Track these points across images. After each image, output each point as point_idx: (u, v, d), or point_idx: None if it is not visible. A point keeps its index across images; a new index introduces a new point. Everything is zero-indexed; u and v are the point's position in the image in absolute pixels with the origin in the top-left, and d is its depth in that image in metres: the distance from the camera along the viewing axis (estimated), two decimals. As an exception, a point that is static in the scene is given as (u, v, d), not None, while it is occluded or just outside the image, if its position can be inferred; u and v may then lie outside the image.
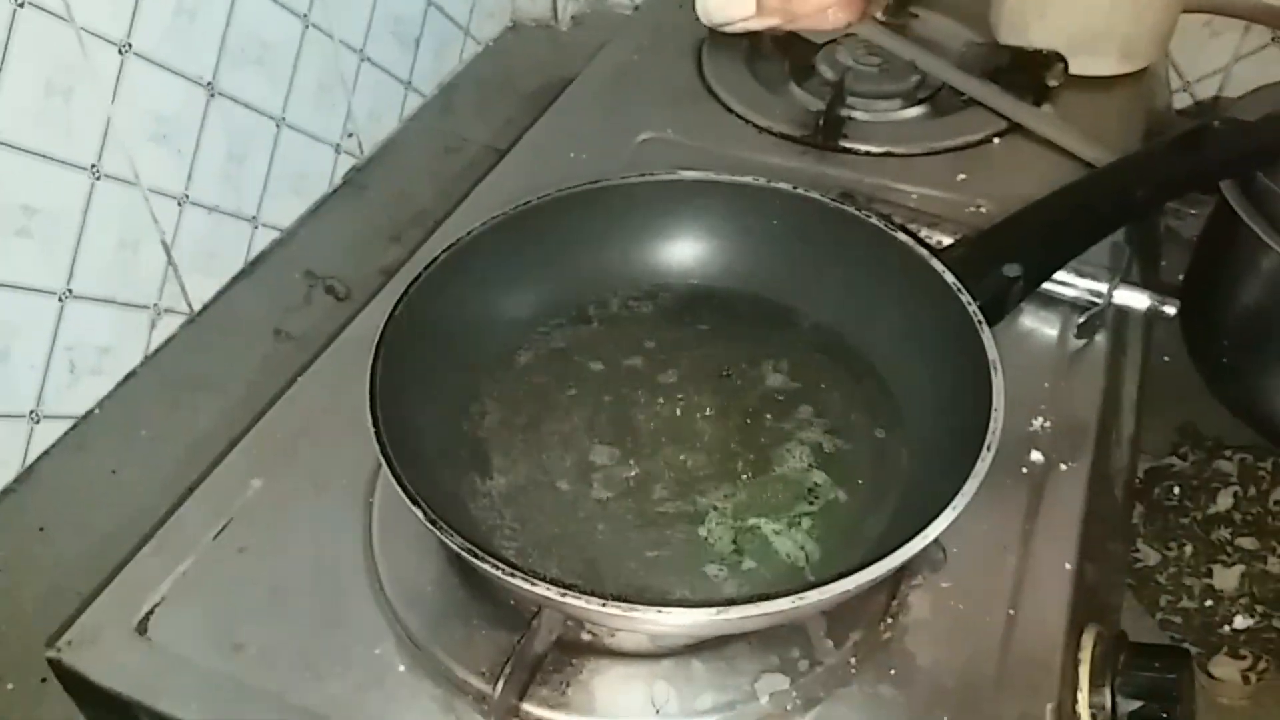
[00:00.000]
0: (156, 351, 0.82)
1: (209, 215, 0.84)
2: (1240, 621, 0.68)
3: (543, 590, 0.41)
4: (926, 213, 0.70)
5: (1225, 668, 0.67)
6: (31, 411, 0.73)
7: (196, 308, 0.85)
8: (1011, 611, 0.51)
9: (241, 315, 0.86)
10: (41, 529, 0.70)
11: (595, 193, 0.61)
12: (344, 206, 0.96)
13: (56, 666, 0.50)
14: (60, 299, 0.73)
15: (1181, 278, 0.82)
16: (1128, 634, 0.53)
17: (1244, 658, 0.67)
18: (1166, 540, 0.72)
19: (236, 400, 0.77)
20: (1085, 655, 0.51)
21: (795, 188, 0.61)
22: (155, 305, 0.81)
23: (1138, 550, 0.72)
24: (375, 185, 0.98)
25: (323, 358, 0.65)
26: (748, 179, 0.61)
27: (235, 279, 0.88)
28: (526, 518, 0.53)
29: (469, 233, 0.58)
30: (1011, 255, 0.57)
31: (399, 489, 0.44)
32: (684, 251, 0.65)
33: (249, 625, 0.51)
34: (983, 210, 0.73)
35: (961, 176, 0.77)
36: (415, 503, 0.44)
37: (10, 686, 0.61)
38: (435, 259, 0.55)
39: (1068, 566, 0.53)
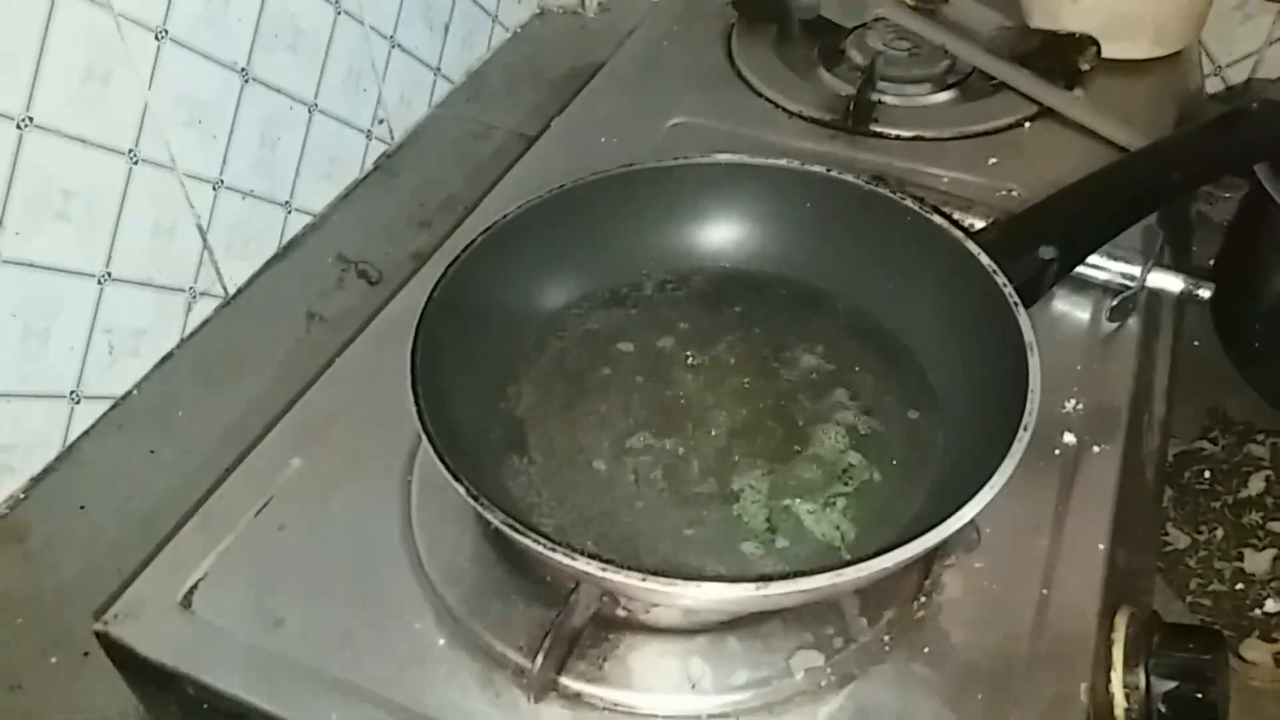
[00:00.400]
0: (192, 334, 0.82)
1: (243, 200, 0.84)
2: (1271, 605, 0.68)
3: (583, 565, 0.41)
4: (958, 196, 0.69)
5: (1256, 651, 0.67)
6: (72, 392, 0.73)
7: (231, 291, 0.85)
8: (1045, 591, 0.51)
9: (275, 298, 0.86)
10: (82, 507, 0.71)
11: (629, 176, 0.61)
12: (375, 191, 0.96)
13: (103, 639, 0.51)
14: (99, 281, 0.73)
15: (1212, 262, 0.82)
16: (1160, 613, 0.53)
17: (1275, 641, 0.67)
18: (1197, 524, 0.72)
19: (270, 382, 0.78)
20: (1118, 636, 0.51)
21: (830, 170, 0.61)
22: (191, 288, 0.82)
23: (1168, 534, 0.72)
24: (406, 170, 0.98)
25: (360, 340, 0.65)
26: (782, 162, 0.62)
27: (269, 263, 0.88)
28: (563, 496, 0.54)
29: (505, 216, 0.58)
30: (1046, 238, 0.57)
31: (440, 465, 0.45)
32: (718, 235, 0.65)
33: (290, 601, 0.52)
34: (1014, 194, 0.72)
35: (992, 161, 0.76)
36: (457, 479, 0.44)
37: (54, 660, 0.62)
38: (473, 242, 0.56)
39: (1100, 547, 0.53)
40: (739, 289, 0.64)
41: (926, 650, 0.49)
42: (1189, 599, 0.69)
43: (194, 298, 0.83)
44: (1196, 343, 0.82)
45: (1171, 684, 0.49)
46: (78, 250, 0.71)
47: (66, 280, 0.71)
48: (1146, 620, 0.52)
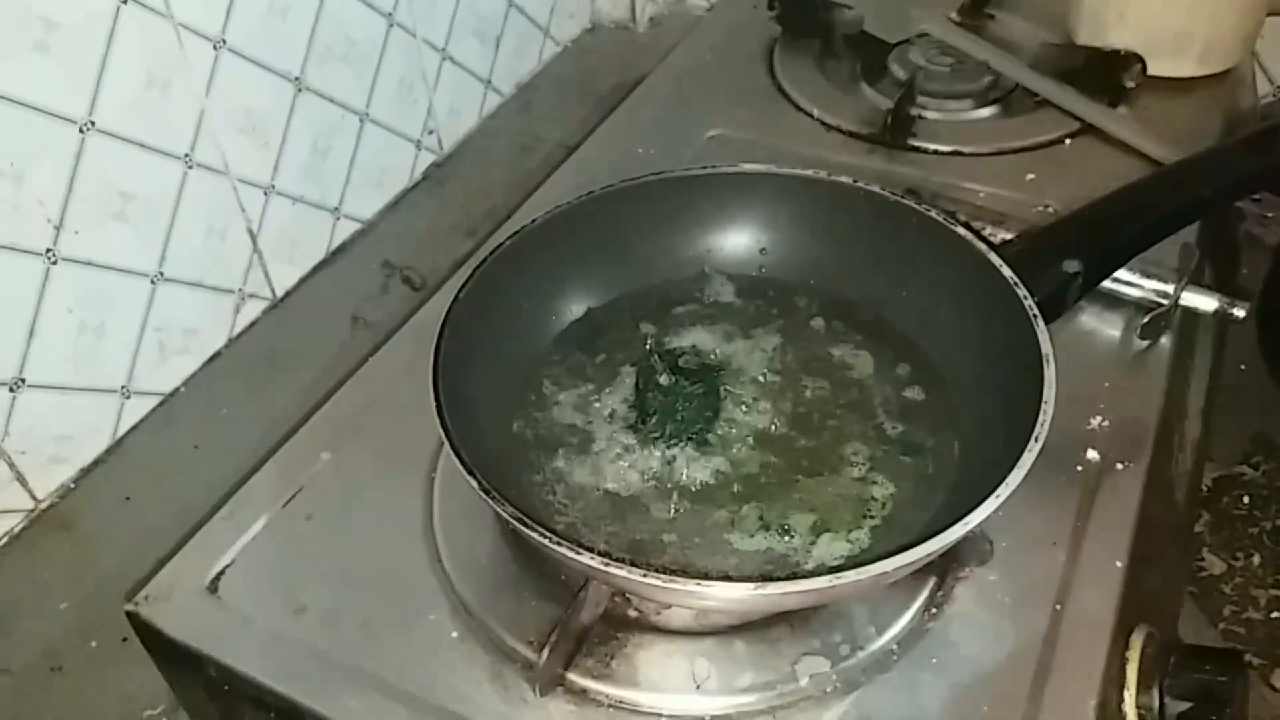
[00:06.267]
0: (240, 334, 0.84)
1: (293, 205, 0.86)
2: (1308, 634, 0.66)
3: (587, 560, 0.42)
4: (992, 211, 0.69)
5: (1289, 680, 0.66)
6: (123, 387, 0.75)
7: (279, 294, 0.87)
8: (1058, 607, 0.51)
9: (321, 302, 0.88)
10: (128, 498, 0.73)
11: (656, 184, 0.62)
12: (423, 200, 0.97)
13: (133, 619, 0.53)
14: (153, 281, 0.75)
15: (1262, 285, 0.80)
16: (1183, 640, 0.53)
17: (1309, 671, 0.65)
18: (1234, 550, 0.71)
19: (313, 382, 0.78)
20: (1134, 655, 0.50)
21: (855, 181, 0.61)
22: (240, 290, 0.83)
23: (1203, 559, 0.71)
24: (454, 180, 0.99)
25: (392, 341, 0.67)
26: (808, 172, 0.62)
27: (317, 268, 0.89)
28: (578, 497, 0.54)
29: (533, 220, 0.59)
30: (1071, 251, 0.56)
31: (454, 457, 0.46)
32: (743, 242, 0.65)
33: (312, 589, 0.53)
34: (1049, 210, 0.72)
35: (1030, 176, 0.76)
36: (470, 473, 0.45)
37: (94, 644, 0.64)
38: (500, 245, 0.57)
39: (1118, 565, 0.53)
40: (763, 297, 0.64)
41: (935, 661, 0.49)
42: (1222, 625, 0.68)
43: (243, 299, 0.85)
44: (1243, 366, 0.80)
45: (1186, 705, 0.49)
46: (133, 250, 0.73)
47: (122, 279, 0.73)
48: (1164, 641, 0.51)
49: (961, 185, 0.75)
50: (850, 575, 0.41)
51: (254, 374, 0.82)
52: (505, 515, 0.44)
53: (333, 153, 0.89)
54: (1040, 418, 0.46)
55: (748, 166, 0.63)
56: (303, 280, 0.89)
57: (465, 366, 0.53)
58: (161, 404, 0.78)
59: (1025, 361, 0.50)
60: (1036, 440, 0.45)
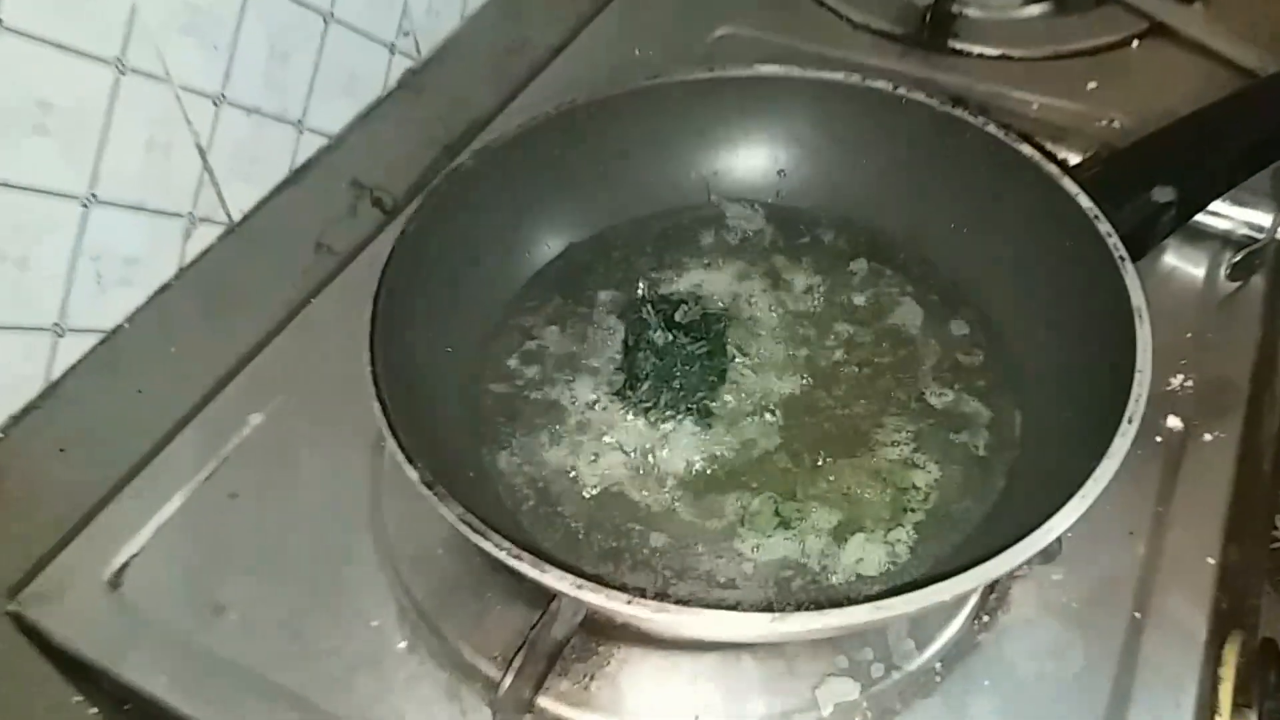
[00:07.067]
0: (192, 263, 0.75)
1: (249, 117, 0.77)
2: None
3: (553, 581, 0.34)
4: (1049, 125, 0.63)
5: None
6: (55, 324, 0.68)
7: (236, 217, 0.78)
8: (1138, 614, 0.44)
9: (283, 226, 0.79)
10: (62, 450, 0.65)
11: (651, 91, 0.55)
12: (397, 112, 0.87)
13: (18, 621, 0.46)
14: (84, 204, 0.68)
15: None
16: (1277, 642, 0.45)
17: None
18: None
19: (273, 317, 0.72)
20: (1227, 670, 0.43)
21: (896, 88, 0.54)
22: (190, 214, 0.75)
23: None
24: (432, 89, 0.89)
25: (342, 276, 0.61)
26: (838, 75, 0.55)
27: (277, 188, 0.80)
28: (551, 484, 0.47)
29: (500, 137, 0.52)
30: (1162, 176, 0.49)
31: (391, 440, 0.38)
32: (758, 164, 0.58)
33: (234, 584, 0.47)
34: (1116, 125, 0.65)
35: (1092, 85, 0.69)
36: (410, 460, 0.37)
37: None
38: (458, 166, 0.50)
39: (1210, 560, 0.46)
40: (782, 232, 0.58)
41: (987, 683, 0.42)
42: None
43: (193, 224, 0.77)
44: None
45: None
46: (58, 169, 0.65)
47: (45, 202, 0.65)
48: (1261, 650, 0.44)
49: (1010, 95, 0.68)
50: (895, 605, 0.32)
51: (207, 307, 0.74)
52: (453, 519, 0.35)
53: (293, 58, 0.80)
54: (1134, 390, 0.39)
55: (764, 69, 0.56)
56: (262, 202, 0.81)
57: (415, 319, 0.46)
58: (103, 342, 0.70)
59: (1106, 314, 0.43)
60: (1130, 422, 0.38)
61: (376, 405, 0.39)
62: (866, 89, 0.54)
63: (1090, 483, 0.36)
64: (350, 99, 0.85)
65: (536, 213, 0.55)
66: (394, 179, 0.82)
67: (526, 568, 0.34)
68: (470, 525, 0.35)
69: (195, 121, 0.71)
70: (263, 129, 0.77)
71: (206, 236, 0.75)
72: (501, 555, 0.35)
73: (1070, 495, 0.35)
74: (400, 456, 0.38)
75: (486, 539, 0.35)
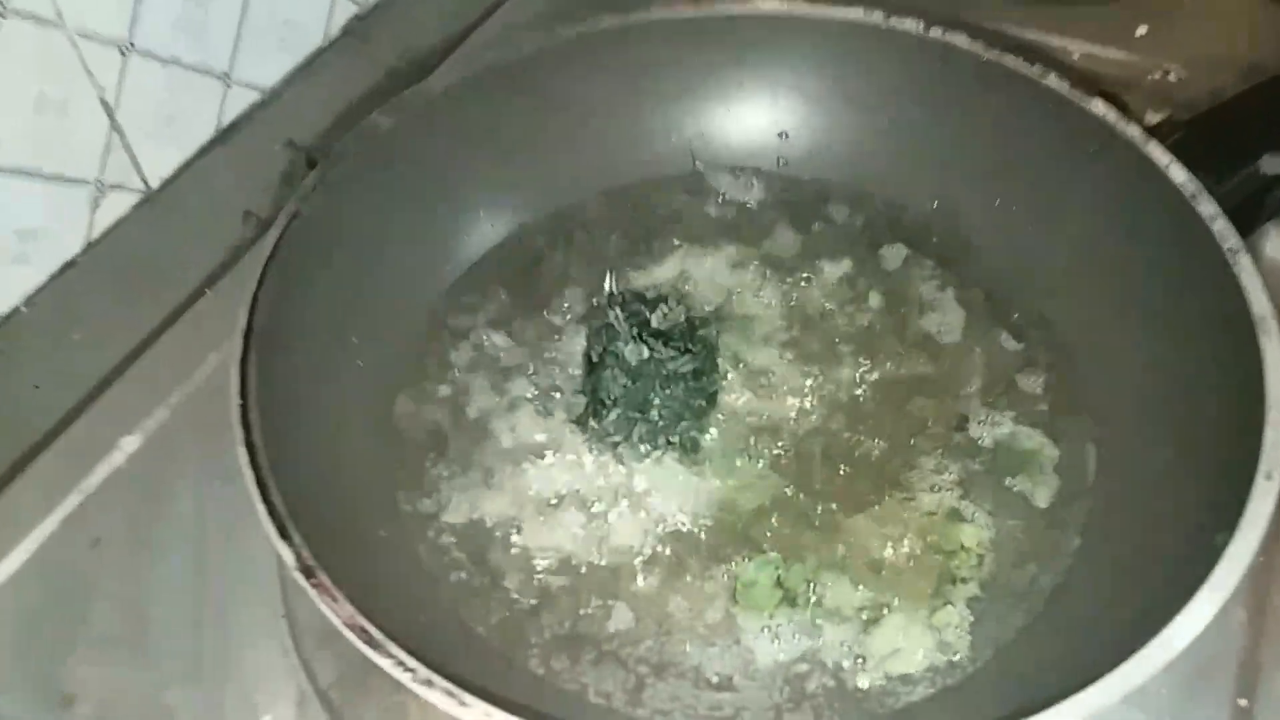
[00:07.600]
0: (102, 237, 0.71)
1: (164, 69, 0.72)
2: None
3: (438, 698, 0.27)
4: (1095, 76, 0.58)
5: None
6: None
7: (154, 184, 0.74)
8: (1243, 702, 0.38)
9: (207, 194, 0.75)
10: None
11: (620, 34, 0.47)
12: (339, 64, 0.82)
13: None
14: None
15: None
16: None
17: None
18: None
19: (195, 297, 0.68)
20: None
21: (927, 29, 0.46)
22: (97, 180, 0.71)
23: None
24: (379, 38, 0.84)
25: (238, 269, 0.55)
26: (854, 13, 0.48)
27: (201, 151, 0.75)
28: (485, 543, 0.40)
29: (428, 89, 0.46)
30: (1270, 142, 0.42)
31: (259, 504, 0.31)
32: (755, 123, 0.52)
33: (89, 666, 0.40)
34: (1172, 78, 0.60)
35: (1142, 30, 0.64)
36: (283, 534, 0.29)
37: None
38: (368, 125, 0.45)
39: None
40: (783, 210, 0.52)
41: None
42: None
43: (101, 191, 0.72)
44: None
45: None
46: None
47: None
48: None
49: (1048, 42, 0.62)
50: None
51: (119, 287, 0.70)
52: (338, 624, 0.28)
53: (216, 1, 0.75)
54: (1269, 435, 0.31)
55: (763, 5, 0.49)
56: (183, 167, 0.75)
57: (312, 324, 0.40)
58: (-5, 329, 0.74)
59: (1215, 322, 0.37)
60: (1270, 478, 0.30)
61: (242, 450, 0.32)
62: (890, 30, 0.47)
63: (1223, 567, 0.28)
64: (285, 50, 0.79)
65: (475, 185, 0.49)
66: (335, 139, 0.76)
67: (439, 697, 0.26)
68: (361, 634, 0.27)
69: (98, 73, 0.66)
70: (182, 82, 0.72)
71: (118, 206, 0.69)
72: (405, 679, 0.27)
73: (1195, 579, 0.28)
74: (269, 526, 0.29)
75: (385, 654, 0.27)
